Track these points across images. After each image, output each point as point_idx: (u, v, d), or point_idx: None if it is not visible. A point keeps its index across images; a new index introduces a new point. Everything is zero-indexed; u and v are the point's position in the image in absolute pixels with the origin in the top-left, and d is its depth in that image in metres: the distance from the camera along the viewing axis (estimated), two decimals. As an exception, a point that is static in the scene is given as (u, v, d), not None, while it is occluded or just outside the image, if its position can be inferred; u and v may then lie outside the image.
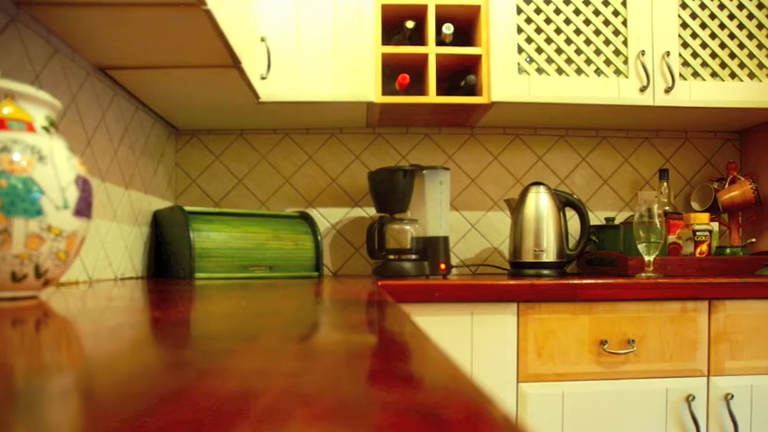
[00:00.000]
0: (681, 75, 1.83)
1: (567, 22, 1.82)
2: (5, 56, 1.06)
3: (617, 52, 1.83)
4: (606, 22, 1.83)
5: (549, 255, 1.78)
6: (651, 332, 1.49)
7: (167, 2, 1.08)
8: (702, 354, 1.50)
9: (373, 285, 1.34)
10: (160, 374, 0.35)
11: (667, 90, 1.81)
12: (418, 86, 1.93)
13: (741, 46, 1.86)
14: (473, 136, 2.18)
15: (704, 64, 1.85)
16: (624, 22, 1.83)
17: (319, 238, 1.87)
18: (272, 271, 1.75)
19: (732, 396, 1.49)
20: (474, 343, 1.47)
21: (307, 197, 2.14)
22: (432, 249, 1.82)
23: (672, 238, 1.90)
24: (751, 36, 1.86)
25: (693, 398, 1.48)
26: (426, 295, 1.45)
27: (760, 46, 1.86)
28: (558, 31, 1.82)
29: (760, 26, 1.86)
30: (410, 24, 1.83)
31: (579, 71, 1.82)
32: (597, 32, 1.83)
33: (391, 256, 1.79)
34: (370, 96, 1.77)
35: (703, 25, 1.85)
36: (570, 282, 1.48)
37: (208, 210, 1.77)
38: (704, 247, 1.83)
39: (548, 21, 1.82)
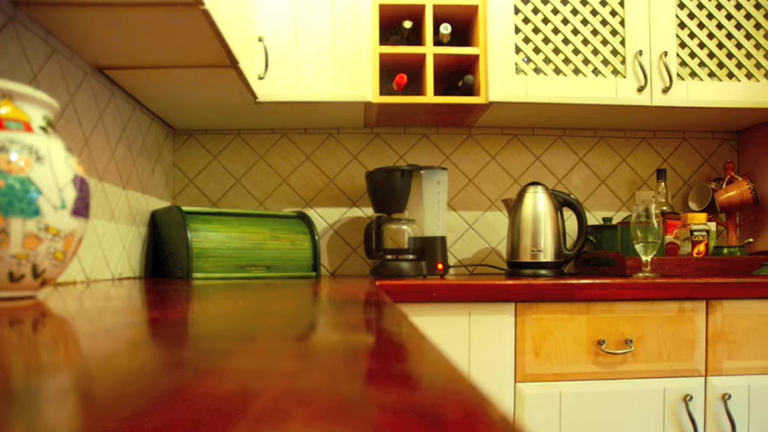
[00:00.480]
0: (678, 75, 1.84)
1: (565, 22, 1.83)
2: (3, 56, 1.06)
3: (615, 52, 1.83)
4: (604, 22, 1.84)
5: (547, 255, 1.78)
6: (648, 332, 1.50)
7: (165, 2, 1.07)
8: (700, 354, 1.51)
9: (371, 285, 1.34)
10: (158, 374, 0.35)
11: (665, 90, 1.81)
12: (416, 86, 1.93)
13: (739, 46, 1.86)
14: (471, 136, 2.18)
15: (702, 64, 1.85)
16: (622, 22, 1.83)
17: (317, 238, 1.87)
18: (270, 271, 1.75)
19: (729, 396, 1.49)
20: (471, 343, 1.47)
21: (304, 197, 2.14)
22: (429, 249, 1.82)
23: (669, 238, 1.90)
24: (749, 36, 1.86)
25: (691, 398, 1.48)
26: (424, 295, 1.45)
27: (758, 46, 1.86)
28: (556, 31, 1.82)
29: (758, 26, 1.86)
30: (408, 24, 1.83)
31: (577, 71, 1.82)
32: (595, 32, 1.83)
33: (389, 256, 1.79)
34: (367, 96, 1.77)
35: (701, 25, 1.85)
36: (568, 282, 1.48)
37: (205, 210, 1.77)
38: (701, 247, 1.83)
39: (545, 21, 1.82)
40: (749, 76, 1.86)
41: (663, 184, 2.05)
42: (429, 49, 1.81)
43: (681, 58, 1.84)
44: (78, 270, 1.36)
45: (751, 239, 2.05)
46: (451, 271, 2.10)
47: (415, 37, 1.90)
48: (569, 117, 2.03)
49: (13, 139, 0.72)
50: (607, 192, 2.21)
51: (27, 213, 0.72)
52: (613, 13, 1.84)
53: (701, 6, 1.85)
